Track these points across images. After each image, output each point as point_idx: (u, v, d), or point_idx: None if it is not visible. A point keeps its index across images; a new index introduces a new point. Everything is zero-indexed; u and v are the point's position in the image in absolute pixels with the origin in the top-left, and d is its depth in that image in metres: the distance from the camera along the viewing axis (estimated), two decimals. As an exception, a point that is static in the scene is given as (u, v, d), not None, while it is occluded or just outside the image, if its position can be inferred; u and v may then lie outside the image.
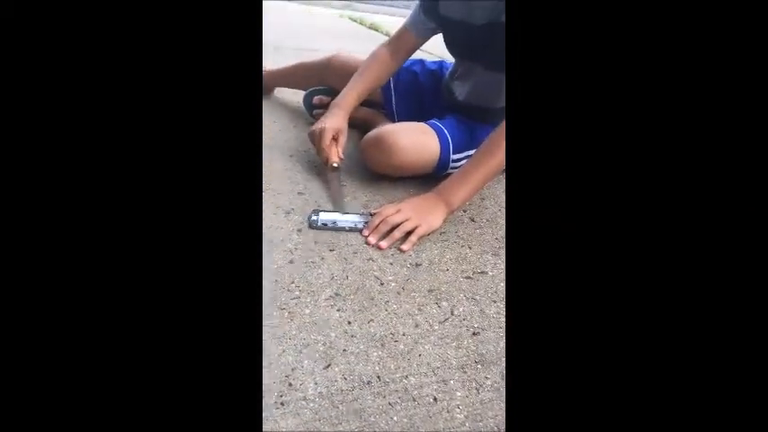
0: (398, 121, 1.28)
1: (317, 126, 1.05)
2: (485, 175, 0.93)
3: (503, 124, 0.94)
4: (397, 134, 1.02)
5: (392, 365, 0.61)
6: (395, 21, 3.02)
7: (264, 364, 0.58)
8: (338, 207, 0.94)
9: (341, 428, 0.52)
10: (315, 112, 1.36)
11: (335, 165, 1.01)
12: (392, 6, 3.70)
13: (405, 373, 0.60)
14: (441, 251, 0.86)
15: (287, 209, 0.92)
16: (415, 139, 1.04)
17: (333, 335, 0.64)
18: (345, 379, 0.58)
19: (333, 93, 1.34)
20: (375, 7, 3.65)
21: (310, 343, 0.62)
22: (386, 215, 0.88)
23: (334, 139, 1.04)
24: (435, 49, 1.35)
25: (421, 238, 0.87)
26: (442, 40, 1.16)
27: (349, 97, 1.11)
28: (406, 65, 1.28)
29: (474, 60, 1.11)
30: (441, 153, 1.04)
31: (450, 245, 0.89)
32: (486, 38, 1.03)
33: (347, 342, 0.63)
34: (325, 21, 3.02)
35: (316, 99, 1.37)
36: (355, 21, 3.11)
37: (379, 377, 0.59)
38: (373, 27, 2.85)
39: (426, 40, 1.18)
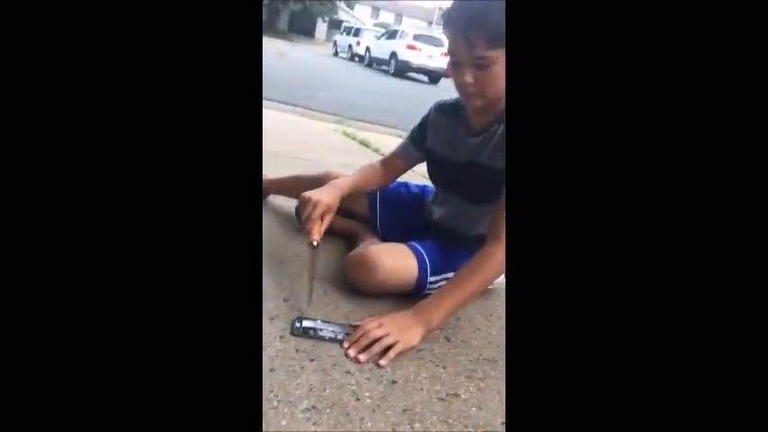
0: (382, 233, 1.37)
1: (311, 195, 1.08)
2: (462, 298, 0.99)
3: (478, 254, 1.03)
4: (380, 255, 1.10)
5: (364, 488, 0.61)
6: (384, 138, 3.29)
7: (237, 477, 0.58)
8: (310, 288, 1.00)
9: None
10: None
11: (315, 244, 1.03)
12: (383, 125, 4.02)
13: (376, 498, 0.60)
14: (416, 369, 0.89)
15: (272, 315, 0.95)
16: (396, 261, 1.11)
17: (307, 450, 0.64)
18: (316, 500, 0.58)
19: None
20: (367, 125, 3.97)
21: (284, 458, 0.62)
22: (367, 329, 0.92)
23: (322, 215, 1.07)
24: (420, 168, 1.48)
25: (399, 354, 0.90)
26: (426, 169, 1.29)
27: (346, 181, 1.18)
28: (392, 185, 1.41)
29: (453, 192, 1.23)
30: (419, 275, 1.11)
31: (425, 363, 0.91)
32: (466, 175, 1.16)
33: (321, 459, 0.63)
34: (319, 133, 3.26)
35: None
36: (348, 135, 3.34)
37: (349, 500, 0.59)
38: (363, 143, 3.08)
39: (412, 167, 1.33)
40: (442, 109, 1.26)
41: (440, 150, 1.23)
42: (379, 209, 1.41)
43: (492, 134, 1.10)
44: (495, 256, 1.01)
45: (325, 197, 1.09)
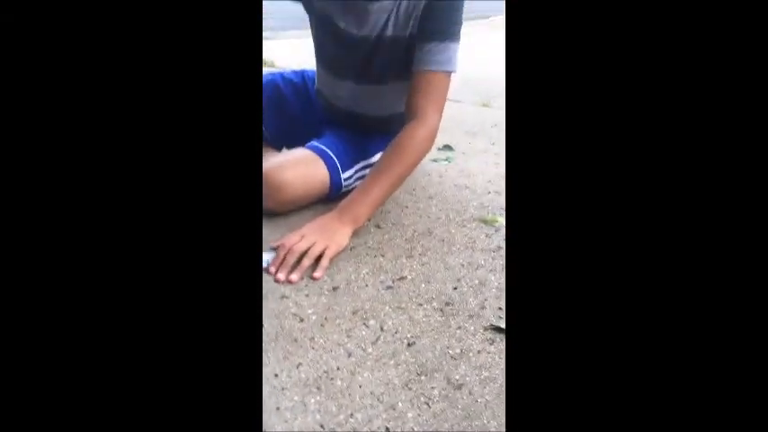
0: (272, 141, 1.20)
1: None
2: (387, 188, 0.90)
3: (398, 137, 0.92)
4: (281, 170, 0.95)
5: (333, 407, 0.56)
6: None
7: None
8: None
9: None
10: None
11: None
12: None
13: (349, 412, 0.55)
14: (355, 267, 0.83)
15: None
16: (301, 170, 0.97)
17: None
18: (286, 440, 0.52)
19: None
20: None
21: (237, 412, 0.55)
22: (290, 244, 0.82)
23: None
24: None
25: (332, 259, 0.83)
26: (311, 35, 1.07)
27: None
28: (266, 80, 1.20)
29: (350, 71, 1.03)
30: (330, 177, 1.00)
31: (362, 258, 0.85)
32: (370, 51, 0.97)
33: (278, 397, 0.57)
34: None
35: None
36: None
37: (322, 426, 0.53)
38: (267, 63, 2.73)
39: None
40: None
41: (334, 16, 0.98)
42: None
43: None
44: (418, 136, 0.91)
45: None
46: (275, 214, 0.98)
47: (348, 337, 0.67)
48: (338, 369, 0.61)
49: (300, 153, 1.01)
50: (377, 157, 1.05)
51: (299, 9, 1.06)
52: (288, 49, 2.88)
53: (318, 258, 0.82)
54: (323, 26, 1.02)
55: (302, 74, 1.26)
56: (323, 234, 0.85)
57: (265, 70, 1.21)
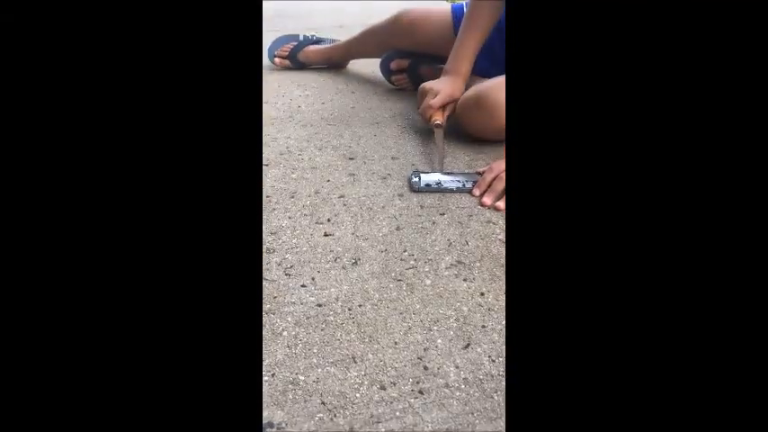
0: (483, 74, 1.11)
1: (434, 86, 0.94)
2: None
3: None
4: (498, 91, 0.87)
5: (548, 344, 0.48)
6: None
7: (389, 343, 0.48)
8: (440, 165, 0.82)
9: (500, 425, 0.40)
10: (394, 77, 1.25)
11: (439, 123, 0.91)
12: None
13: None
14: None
15: (383, 174, 0.81)
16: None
17: (465, 309, 0.52)
18: (494, 361, 0.46)
19: (409, 55, 1.21)
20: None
21: (440, 318, 0.51)
22: (499, 171, 0.74)
23: (445, 105, 0.94)
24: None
25: (544, 195, 0.73)
26: None
27: (466, 62, 0.99)
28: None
29: None
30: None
31: (581, 202, 0.74)
32: None
33: (485, 317, 0.51)
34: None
35: (393, 64, 1.26)
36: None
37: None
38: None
39: None
40: None
41: None
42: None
43: None
44: None
45: (449, 89, 0.93)
46: (482, 142, 0.91)
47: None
48: (553, 306, 0.52)
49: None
50: None
51: None
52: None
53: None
54: None
55: None
56: None
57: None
